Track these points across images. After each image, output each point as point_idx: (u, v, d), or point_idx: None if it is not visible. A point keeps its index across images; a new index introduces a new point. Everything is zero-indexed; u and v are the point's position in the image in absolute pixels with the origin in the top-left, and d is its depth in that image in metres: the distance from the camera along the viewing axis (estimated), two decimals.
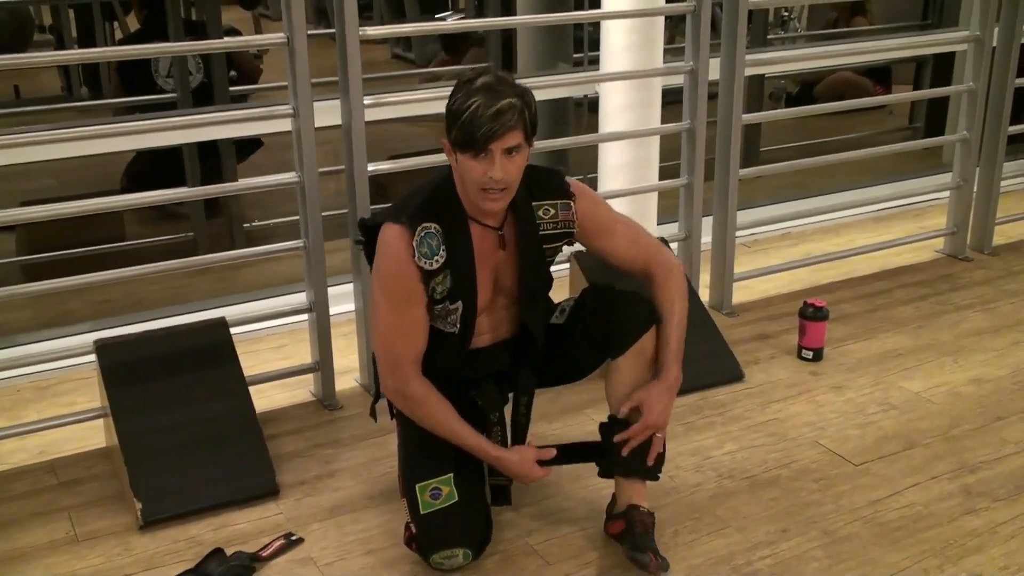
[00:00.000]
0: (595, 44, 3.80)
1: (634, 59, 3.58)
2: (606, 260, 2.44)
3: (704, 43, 3.44)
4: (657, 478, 2.40)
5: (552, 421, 3.00)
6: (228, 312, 3.10)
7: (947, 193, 4.35)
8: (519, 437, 2.47)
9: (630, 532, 2.33)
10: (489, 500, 2.47)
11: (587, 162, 4.28)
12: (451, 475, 2.32)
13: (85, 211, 3.12)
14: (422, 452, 2.36)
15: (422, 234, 2.20)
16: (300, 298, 3.14)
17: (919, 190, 4.89)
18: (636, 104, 3.63)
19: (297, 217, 3.01)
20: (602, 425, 2.42)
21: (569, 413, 3.04)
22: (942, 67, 5.87)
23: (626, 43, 3.57)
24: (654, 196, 3.78)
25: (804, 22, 8.06)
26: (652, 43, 3.60)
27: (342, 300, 3.28)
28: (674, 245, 3.59)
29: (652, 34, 3.59)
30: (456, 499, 2.30)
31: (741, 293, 3.85)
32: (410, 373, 2.29)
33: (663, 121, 3.70)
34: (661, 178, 3.79)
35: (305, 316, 3.11)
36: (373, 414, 2.59)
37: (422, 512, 2.30)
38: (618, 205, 3.70)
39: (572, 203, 2.33)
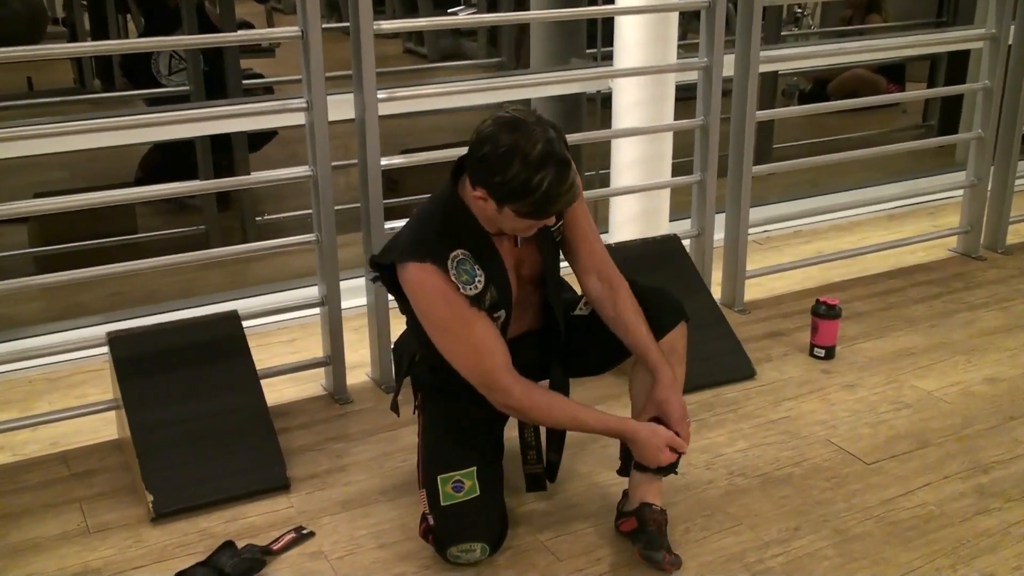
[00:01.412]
0: (609, 39, 3.79)
1: (648, 55, 3.57)
2: (567, 255, 2.42)
3: (718, 39, 3.43)
4: (676, 473, 2.40)
5: None
6: (240, 305, 3.09)
7: (961, 192, 4.33)
8: (554, 435, 2.49)
9: (643, 530, 2.33)
10: (526, 488, 2.51)
11: (600, 158, 4.28)
12: (474, 468, 2.33)
13: (97, 204, 3.11)
14: (445, 444, 2.37)
15: (455, 264, 2.19)
16: (312, 292, 3.14)
17: (932, 188, 4.87)
18: (649, 100, 3.62)
19: (309, 211, 3.01)
20: None
21: None
22: (956, 65, 5.84)
23: (640, 39, 3.56)
24: (667, 192, 3.77)
25: (818, 19, 8.03)
26: (666, 39, 3.59)
27: (354, 294, 3.28)
28: (686, 242, 3.58)
29: (666, 30, 3.58)
30: (478, 493, 2.31)
31: (753, 290, 3.84)
32: (508, 383, 2.23)
33: (676, 118, 3.68)
34: (674, 174, 3.78)
35: (317, 310, 3.11)
36: (395, 408, 2.59)
37: (443, 504, 2.30)
38: (630, 201, 3.72)
39: None
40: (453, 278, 2.18)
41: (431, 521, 2.32)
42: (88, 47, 6.50)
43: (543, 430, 2.46)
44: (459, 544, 2.28)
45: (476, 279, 2.20)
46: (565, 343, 2.45)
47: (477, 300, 2.21)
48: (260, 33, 5.82)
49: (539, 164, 2.02)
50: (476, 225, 2.22)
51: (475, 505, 2.30)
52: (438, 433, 2.40)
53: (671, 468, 2.38)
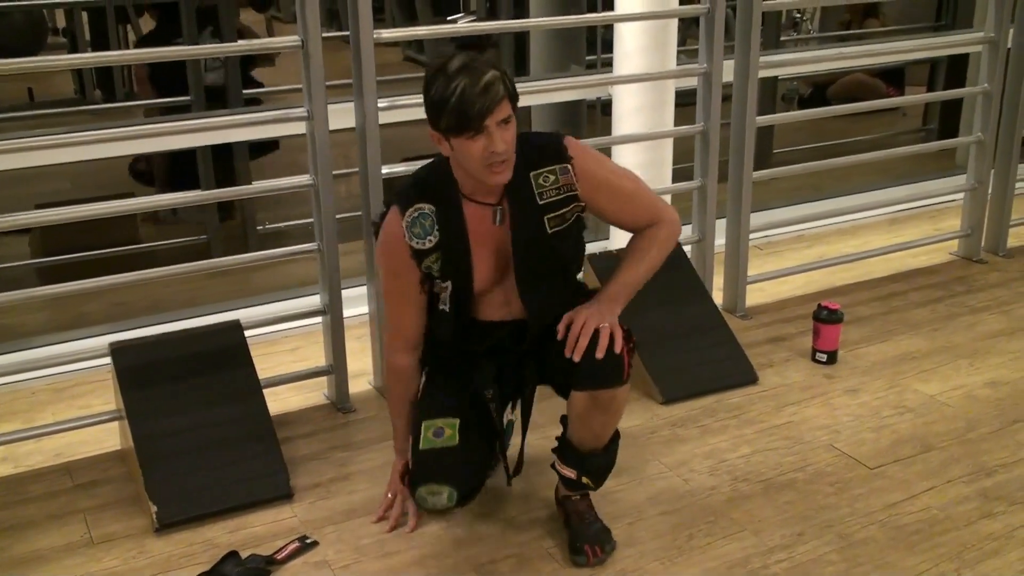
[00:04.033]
0: (608, 46, 3.80)
1: (647, 61, 3.58)
2: (604, 220, 2.44)
3: (718, 45, 3.43)
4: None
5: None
6: (242, 314, 3.10)
7: (962, 195, 4.33)
8: (524, 426, 2.53)
9: (567, 527, 2.40)
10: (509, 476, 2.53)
11: None
12: (458, 420, 2.37)
13: (98, 215, 3.12)
14: (437, 393, 2.44)
15: (415, 215, 2.25)
16: (314, 300, 3.14)
17: (934, 192, 4.87)
18: (649, 106, 3.63)
19: (311, 219, 3.01)
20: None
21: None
22: (956, 68, 5.85)
23: (639, 45, 3.57)
24: (667, 199, 3.77)
25: (817, 24, 8.04)
26: (665, 45, 3.60)
27: (356, 303, 3.28)
28: (687, 248, 3.58)
29: (665, 36, 3.59)
30: (456, 443, 2.34)
31: (755, 296, 3.84)
32: (396, 345, 2.42)
33: (676, 123, 3.69)
34: (674, 180, 3.79)
35: (319, 319, 3.11)
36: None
37: (421, 447, 2.36)
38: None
39: (570, 165, 2.28)
40: (406, 226, 2.25)
41: (409, 465, 2.40)
42: (88, 58, 6.50)
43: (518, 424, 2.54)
44: (427, 484, 2.32)
45: (428, 236, 2.26)
46: (544, 354, 2.36)
47: (419, 256, 2.27)
48: (260, 43, 5.82)
49: (453, 75, 2.07)
50: (452, 188, 2.25)
51: (451, 452, 2.34)
52: (436, 382, 2.46)
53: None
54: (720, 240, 3.72)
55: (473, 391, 2.41)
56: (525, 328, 2.38)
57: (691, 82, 3.56)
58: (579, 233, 2.39)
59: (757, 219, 3.79)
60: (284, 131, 3.38)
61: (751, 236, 3.75)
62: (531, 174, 2.26)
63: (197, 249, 4.89)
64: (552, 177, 2.27)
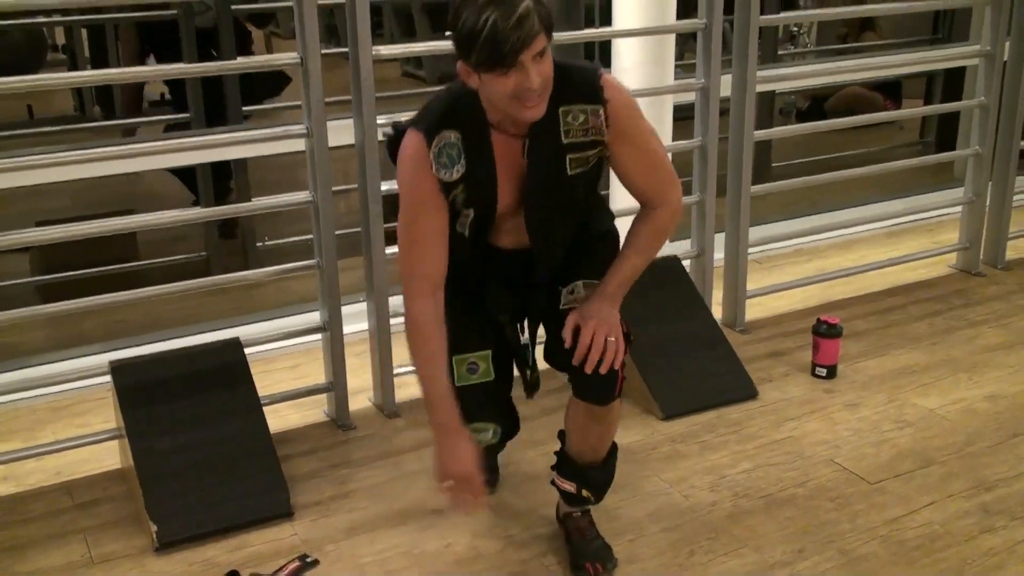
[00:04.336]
0: (607, 61, 3.81)
1: (645, 76, 3.58)
2: (614, 170, 2.27)
3: (715, 61, 3.44)
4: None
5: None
6: (242, 331, 3.10)
7: (960, 208, 4.34)
8: (533, 347, 2.45)
9: (569, 544, 2.39)
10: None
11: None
12: (489, 352, 2.30)
13: (98, 233, 3.12)
14: (461, 324, 2.27)
15: (441, 144, 2.10)
16: (314, 317, 3.15)
17: (931, 205, 4.87)
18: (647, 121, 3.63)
19: (310, 236, 3.02)
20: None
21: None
22: (953, 81, 5.86)
23: (637, 61, 3.58)
24: None
25: (814, 37, 8.06)
26: (663, 61, 3.61)
27: (356, 319, 3.28)
28: (686, 262, 3.59)
29: (663, 52, 3.60)
30: (492, 377, 2.30)
31: (754, 310, 3.84)
32: (418, 290, 2.17)
33: (674, 136, 3.70)
34: None
35: (319, 336, 3.11)
36: None
37: (458, 384, 2.25)
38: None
39: (603, 109, 2.13)
40: (433, 156, 2.10)
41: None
42: (87, 76, 6.52)
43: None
44: (473, 423, 2.26)
45: (455, 167, 2.11)
46: (553, 294, 2.31)
47: (447, 188, 2.12)
48: (260, 60, 5.84)
49: (483, 6, 1.93)
50: (480, 116, 2.11)
51: (490, 388, 2.31)
52: (455, 314, 2.25)
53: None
54: (719, 254, 3.72)
55: (489, 317, 2.34)
56: (533, 259, 2.29)
57: (689, 96, 3.57)
58: (597, 177, 2.27)
59: (755, 233, 3.80)
60: (284, 148, 3.38)
61: (750, 250, 3.75)
62: (560, 109, 2.11)
63: (197, 266, 4.89)
64: (582, 117, 2.13)
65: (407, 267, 2.19)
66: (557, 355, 2.26)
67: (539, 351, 2.41)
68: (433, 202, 2.13)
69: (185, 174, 5.22)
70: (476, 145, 2.12)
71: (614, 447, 2.41)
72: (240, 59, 4.80)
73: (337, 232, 3.00)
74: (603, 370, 2.17)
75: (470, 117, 2.11)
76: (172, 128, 5.30)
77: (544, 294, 2.33)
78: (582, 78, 2.14)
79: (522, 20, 1.90)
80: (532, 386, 2.45)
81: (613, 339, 2.17)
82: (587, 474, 2.39)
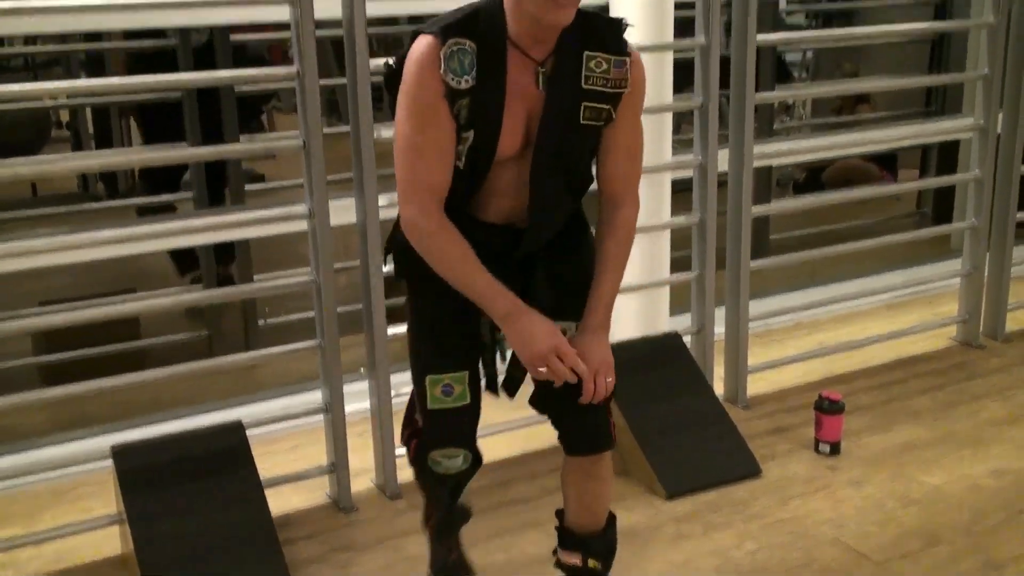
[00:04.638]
0: None
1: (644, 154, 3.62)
2: (601, 149, 2.16)
3: (712, 139, 3.49)
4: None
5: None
6: (244, 412, 3.10)
7: (958, 279, 4.35)
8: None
9: None
10: (498, 386, 2.28)
11: None
12: (467, 373, 2.20)
13: (102, 317, 3.15)
14: (438, 340, 2.22)
15: (454, 47, 1.99)
16: (315, 396, 3.15)
17: (930, 277, 4.89)
18: (646, 199, 3.64)
19: (311, 313, 3.03)
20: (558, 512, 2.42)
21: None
22: (948, 151, 5.92)
23: None
24: (666, 289, 3.80)
25: (809, 109, 8.16)
26: (661, 138, 3.65)
27: (358, 398, 3.28)
28: (687, 338, 3.59)
29: (661, 129, 3.64)
30: (468, 401, 2.21)
31: (756, 385, 3.84)
32: (428, 202, 2.04)
33: (672, 208, 3.72)
34: (672, 266, 3.80)
35: (320, 416, 3.11)
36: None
37: (430, 407, 2.20)
38: (630, 299, 3.72)
39: (627, 63, 2.07)
40: (443, 57, 1.98)
41: (419, 422, 2.24)
42: (93, 161, 6.61)
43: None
44: (444, 448, 2.22)
45: (465, 76, 2.00)
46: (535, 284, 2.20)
47: (452, 96, 2.00)
48: (262, 145, 5.94)
49: None
50: (500, 29, 2.02)
51: (464, 412, 2.21)
52: (426, 330, 2.22)
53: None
54: (720, 328, 3.73)
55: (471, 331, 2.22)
56: (520, 237, 2.18)
57: (686, 170, 3.61)
58: (596, 141, 2.16)
59: (755, 307, 3.81)
60: (286, 228, 3.41)
61: (750, 325, 3.76)
62: (585, 53, 2.05)
63: (198, 345, 4.90)
64: (605, 65, 2.06)
65: (412, 178, 2.04)
66: (545, 400, 2.22)
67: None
68: (441, 108, 2.01)
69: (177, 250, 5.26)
70: (491, 61, 2.02)
71: (612, 517, 2.39)
72: (242, 143, 4.86)
73: (339, 308, 3.00)
74: (596, 400, 2.11)
75: (490, 30, 2.02)
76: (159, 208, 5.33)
77: (526, 278, 2.20)
78: (611, 29, 2.09)
79: None
80: (510, 382, 2.27)
81: (611, 379, 2.13)
82: (589, 543, 2.36)
